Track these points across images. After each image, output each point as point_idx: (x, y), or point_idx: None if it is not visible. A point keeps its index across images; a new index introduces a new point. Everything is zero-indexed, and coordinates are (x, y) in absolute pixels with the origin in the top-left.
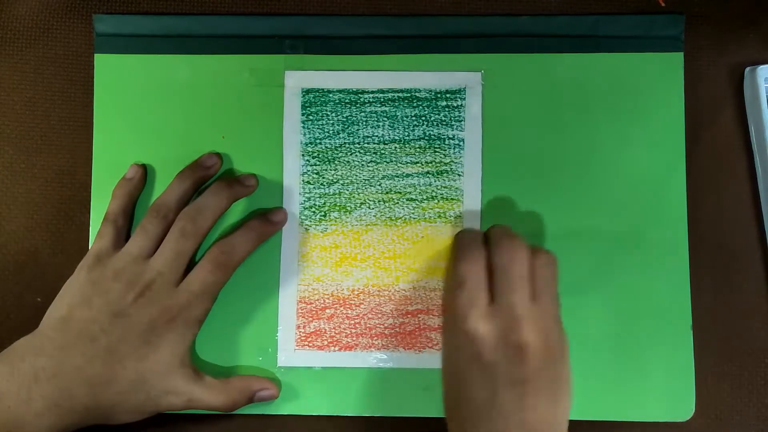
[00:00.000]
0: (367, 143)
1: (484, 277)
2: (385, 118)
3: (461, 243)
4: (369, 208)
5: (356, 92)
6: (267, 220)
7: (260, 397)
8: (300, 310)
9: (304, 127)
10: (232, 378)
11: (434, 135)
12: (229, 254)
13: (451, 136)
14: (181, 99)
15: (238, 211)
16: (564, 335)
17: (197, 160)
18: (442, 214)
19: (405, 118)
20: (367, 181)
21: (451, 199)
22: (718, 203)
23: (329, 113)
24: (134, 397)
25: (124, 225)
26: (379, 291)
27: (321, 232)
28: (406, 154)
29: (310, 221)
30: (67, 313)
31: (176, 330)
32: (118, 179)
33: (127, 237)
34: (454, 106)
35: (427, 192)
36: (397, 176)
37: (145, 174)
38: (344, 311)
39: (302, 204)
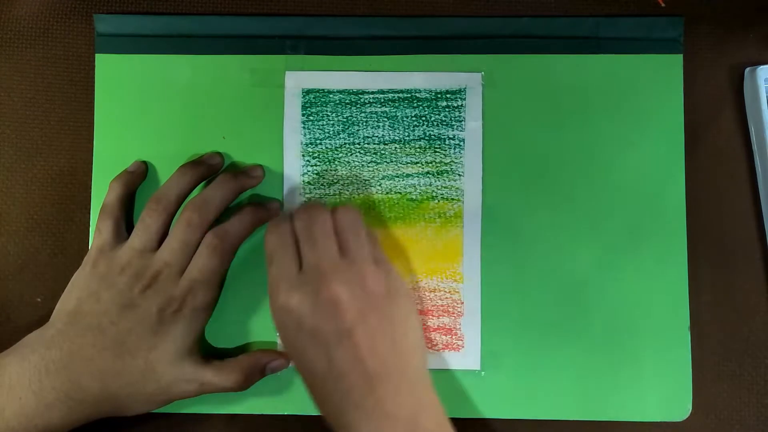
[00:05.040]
0: (368, 144)
1: (291, 249)
2: (386, 119)
3: (269, 224)
4: (369, 208)
5: (356, 93)
6: (262, 206)
7: (271, 369)
8: None
9: (304, 128)
10: (239, 357)
11: (434, 135)
12: (223, 239)
13: (451, 137)
14: (181, 99)
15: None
16: (390, 272)
17: (200, 157)
18: (442, 215)
19: (405, 119)
20: (367, 182)
21: (452, 199)
22: (718, 203)
23: (329, 114)
24: (145, 387)
25: (122, 216)
26: None
27: None
28: (407, 155)
29: None
30: (75, 306)
31: (184, 319)
32: None
33: (128, 227)
34: (454, 107)
35: (427, 192)
36: (398, 177)
37: (146, 171)
38: None
39: (303, 204)
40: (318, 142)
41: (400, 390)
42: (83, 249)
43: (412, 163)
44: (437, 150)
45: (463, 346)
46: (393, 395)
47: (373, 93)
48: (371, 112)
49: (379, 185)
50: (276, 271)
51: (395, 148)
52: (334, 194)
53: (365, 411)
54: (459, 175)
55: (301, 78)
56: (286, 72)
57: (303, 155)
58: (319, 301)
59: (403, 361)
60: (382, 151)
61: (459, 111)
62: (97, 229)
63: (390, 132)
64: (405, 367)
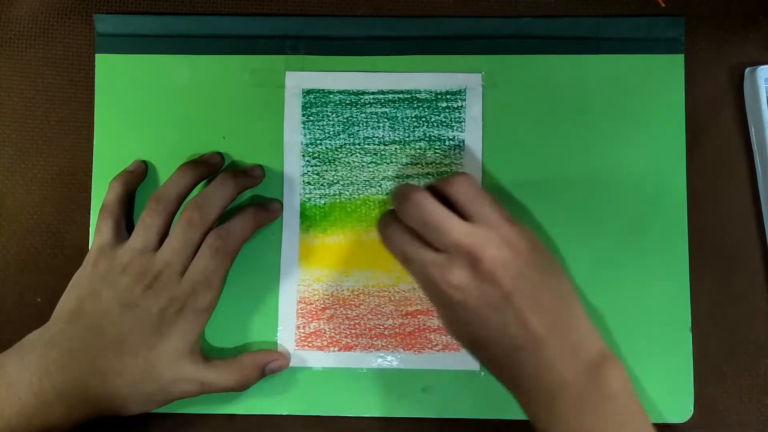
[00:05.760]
0: (368, 144)
1: (416, 242)
2: (386, 119)
3: (378, 232)
4: (369, 209)
5: (357, 93)
6: (263, 207)
7: (271, 369)
8: (300, 311)
9: (304, 128)
10: (240, 356)
11: (434, 136)
12: (225, 239)
13: (451, 137)
14: (181, 99)
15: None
16: (522, 226)
17: (200, 156)
18: None
19: (405, 119)
20: (367, 182)
21: None
22: (718, 203)
23: (330, 114)
24: (145, 386)
25: (122, 215)
26: (378, 292)
27: (321, 232)
28: (407, 155)
29: (311, 222)
30: (76, 306)
31: (185, 319)
32: None
33: (128, 226)
34: (454, 107)
35: None
36: (398, 177)
37: (146, 171)
38: (344, 312)
39: (303, 205)
40: (318, 142)
41: (572, 341)
42: (83, 249)
43: (412, 163)
44: (437, 151)
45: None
46: (566, 348)
47: (373, 93)
48: (371, 113)
49: (379, 186)
50: (418, 264)
51: (395, 148)
52: (334, 194)
53: (544, 368)
54: None
55: (301, 78)
56: (287, 72)
57: (303, 155)
58: (477, 272)
59: (567, 312)
60: (383, 152)
61: (459, 112)
62: (98, 228)
63: (390, 133)
64: (570, 317)
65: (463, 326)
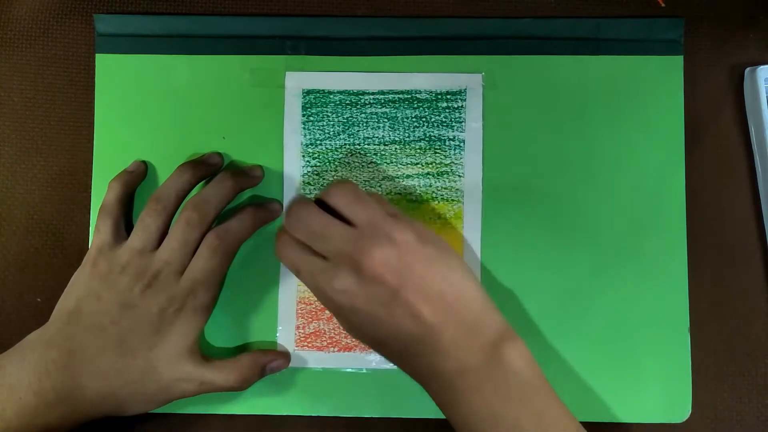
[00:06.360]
0: (368, 144)
1: (305, 252)
2: (386, 120)
3: (275, 245)
4: None
5: (357, 93)
6: (263, 207)
7: (271, 369)
8: (300, 311)
9: (304, 128)
10: (239, 356)
11: (435, 136)
12: (224, 239)
13: (451, 138)
14: (181, 99)
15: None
16: (410, 220)
17: (200, 157)
18: (442, 216)
19: (405, 120)
20: (367, 183)
21: (452, 200)
22: (718, 203)
23: (330, 114)
24: (145, 386)
25: (122, 215)
26: None
27: None
28: (407, 156)
29: None
30: (75, 306)
31: (184, 318)
32: None
33: (127, 226)
34: (454, 108)
35: (427, 193)
36: (398, 177)
37: (145, 171)
38: None
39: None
40: (318, 142)
41: (468, 324)
42: (83, 249)
43: (412, 164)
44: (437, 151)
45: None
46: (462, 332)
47: (373, 94)
48: (371, 113)
49: (379, 186)
50: (306, 273)
51: (395, 149)
52: None
53: (442, 355)
54: (459, 176)
55: (301, 78)
56: (287, 72)
57: (303, 156)
58: (361, 275)
59: (460, 296)
60: (382, 152)
61: (459, 112)
62: (97, 228)
63: (390, 133)
64: (464, 301)
65: (359, 328)
